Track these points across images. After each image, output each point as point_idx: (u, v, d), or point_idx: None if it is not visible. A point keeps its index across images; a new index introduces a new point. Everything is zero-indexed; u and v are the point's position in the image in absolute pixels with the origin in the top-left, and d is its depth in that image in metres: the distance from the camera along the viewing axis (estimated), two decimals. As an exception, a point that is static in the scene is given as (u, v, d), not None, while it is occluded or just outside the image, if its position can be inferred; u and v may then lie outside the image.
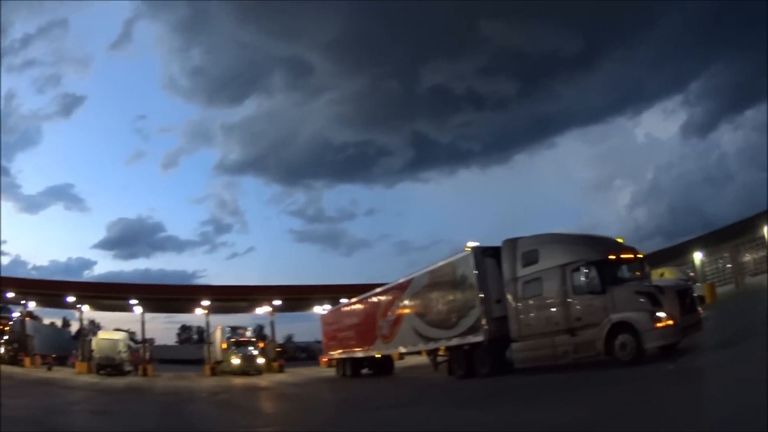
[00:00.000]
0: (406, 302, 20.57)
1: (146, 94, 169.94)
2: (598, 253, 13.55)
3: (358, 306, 25.24)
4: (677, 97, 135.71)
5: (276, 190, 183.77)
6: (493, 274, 16.00)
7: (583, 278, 13.22)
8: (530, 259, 14.82)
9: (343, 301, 27.81)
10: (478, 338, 16.17)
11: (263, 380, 28.99)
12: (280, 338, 69.26)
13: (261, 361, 35.74)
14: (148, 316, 42.77)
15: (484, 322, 15.93)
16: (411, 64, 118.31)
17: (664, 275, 36.17)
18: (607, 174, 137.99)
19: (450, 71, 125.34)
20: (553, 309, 14.02)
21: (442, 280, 18.28)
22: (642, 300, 12.38)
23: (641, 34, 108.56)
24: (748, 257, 54.73)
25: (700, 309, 13.61)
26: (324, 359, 31.07)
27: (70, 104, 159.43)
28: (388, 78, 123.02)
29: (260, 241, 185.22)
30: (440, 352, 18.92)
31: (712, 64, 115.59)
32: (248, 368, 34.53)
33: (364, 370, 25.49)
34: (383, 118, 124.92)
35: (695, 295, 13.65)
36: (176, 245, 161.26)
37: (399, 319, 21.05)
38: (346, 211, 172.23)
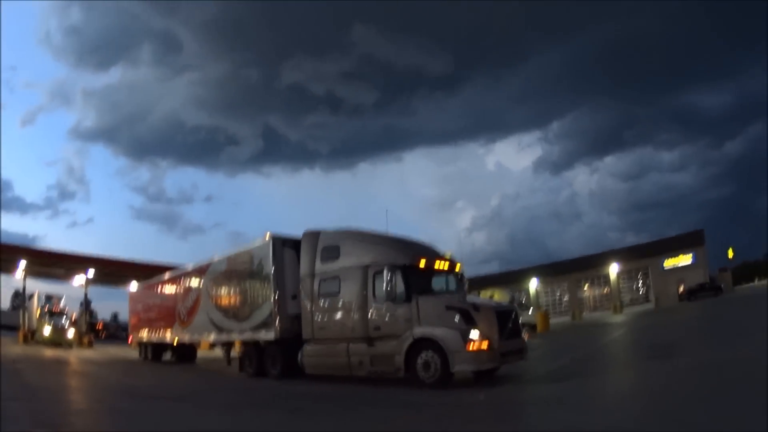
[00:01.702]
0: (204, 287, 17.09)
1: (21, 45, 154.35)
2: (406, 258, 10.91)
3: (162, 286, 21.12)
4: (536, 132, 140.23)
5: (123, 163, 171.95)
6: (292, 267, 13.16)
7: (385, 283, 10.46)
8: (330, 254, 11.99)
9: (153, 279, 23.50)
10: (270, 335, 13.38)
11: (69, 354, 25.11)
12: (106, 315, 63.18)
13: (71, 334, 31.52)
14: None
15: (276, 318, 13.08)
16: (274, 57, 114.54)
17: (494, 296, 34.89)
18: (451, 195, 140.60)
19: (312, 70, 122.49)
20: (350, 313, 11.26)
21: (239, 267, 15.05)
22: (453, 316, 9.85)
23: (511, 67, 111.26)
24: (587, 292, 55.97)
25: (525, 335, 11.34)
26: (130, 340, 26.69)
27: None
28: (249, 67, 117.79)
29: (100, 213, 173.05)
30: (236, 346, 15.77)
31: (579, 108, 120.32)
32: (58, 340, 30.62)
33: (167, 356, 21.64)
34: (238, 106, 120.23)
35: (520, 320, 11.41)
36: (21, 206, 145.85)
37: (196, 304, 17.51)
38: (186, 194, 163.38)
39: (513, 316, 10.71)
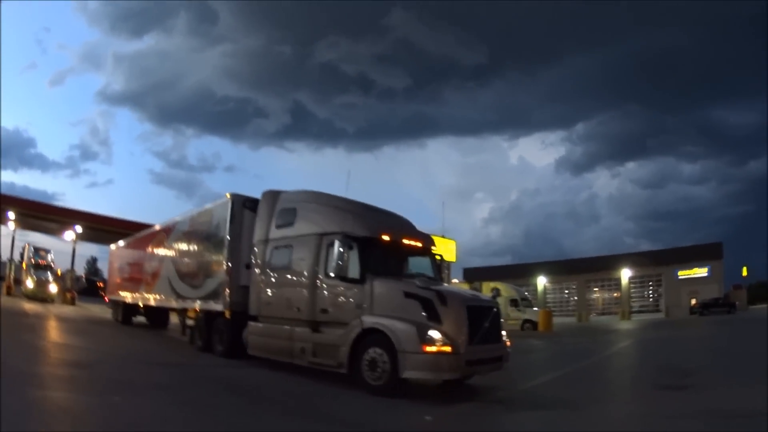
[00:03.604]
0: (168, 248, 15.38)
1: (57, 8, 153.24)
2: (366, 229, 8.78)
3: (135, 245, 19.42)
4: (560, 132, 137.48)
5: (147, 128, 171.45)
6: (251, 231, 11.13)
7: (335, 257, 8.41)
8: (286, 219, 9.99)
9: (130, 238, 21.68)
10: (218, 307, 11.56)
11: (46, 308, 24.18)
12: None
13: (54, 288, 30.39)
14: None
15: (227, 289, 11.25)
16: (309, 35, 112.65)
17: (499, 291, 33.11)
18: (471, 185, 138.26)
19: (346, 50, 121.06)
20: (298, 290, 9.28)
21: (199, 229, 13.25)
22: (413, 306, 7.72)
23: (544, 65, 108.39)
24: (597, 295, 53.14)
25: (507, 340, 8.83)
26: (107, 300, 25.14)
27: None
28: (284, 43, 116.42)
29: (120, 176, 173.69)
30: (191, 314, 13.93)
31: (605, 112, 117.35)
32: (41, 294, 29.68)
33: (138, 318, 19.87)
34: (269, 81, 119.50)
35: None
36: (43, 164, 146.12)
37: (160, 265, 15.80)
38: (208, 163, 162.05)
39: (492, 314, 8.30)
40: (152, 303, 16.74)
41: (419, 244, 9.56)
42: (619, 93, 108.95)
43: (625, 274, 48.07)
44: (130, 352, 12.36)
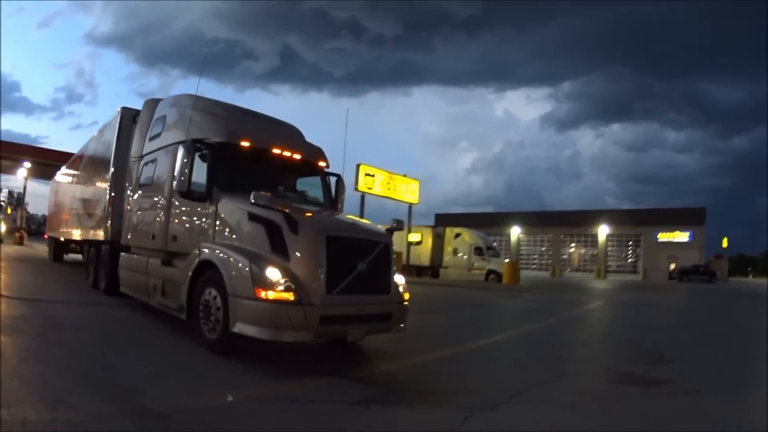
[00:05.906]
0: (79, 175, 13.88)
1: None
2: (222, 132, 6.66)
3: (66, 176, 17.65)
4: (546, 89, 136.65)
5: (133, 69, 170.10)
6: None
7: (180, 168, 6.27)
8: (157, 129, 8.13)
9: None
10: (100, 236, 10.12)
11: None
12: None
13: (2, 228, 28.62)
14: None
15: (109, 215, 9.70)
16: None
17: (462, 236, 30.77)
18: (455, 135, 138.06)
19: None
20: (154, 212, 7.56)
21: (98, 150, 11.64)
22: (256, 232, 5.65)
23: (535, 23, 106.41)
24: (573, 250, 51.39)
25: (404, 291, 6.15)
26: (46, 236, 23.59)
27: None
28: None
29: (105, 117, 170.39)
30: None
31: (593, 72, 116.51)
32: None
33: (72, 255, 18.37)
34: (261, 22, 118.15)
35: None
36: (27, 107, 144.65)
37: (74, 195, 14.31)
38: None
39: (376, 252, 5.70)
40: (70, 237, 15.19)
41: (298, 156, 7.18)
42: (607, 55, 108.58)
43: (603, 231, 45.66)
44: (17, 288, 10.46)
